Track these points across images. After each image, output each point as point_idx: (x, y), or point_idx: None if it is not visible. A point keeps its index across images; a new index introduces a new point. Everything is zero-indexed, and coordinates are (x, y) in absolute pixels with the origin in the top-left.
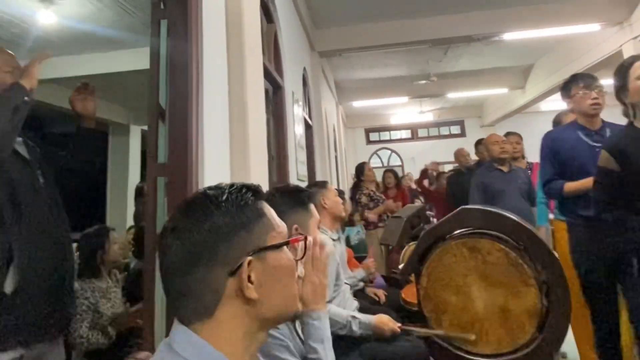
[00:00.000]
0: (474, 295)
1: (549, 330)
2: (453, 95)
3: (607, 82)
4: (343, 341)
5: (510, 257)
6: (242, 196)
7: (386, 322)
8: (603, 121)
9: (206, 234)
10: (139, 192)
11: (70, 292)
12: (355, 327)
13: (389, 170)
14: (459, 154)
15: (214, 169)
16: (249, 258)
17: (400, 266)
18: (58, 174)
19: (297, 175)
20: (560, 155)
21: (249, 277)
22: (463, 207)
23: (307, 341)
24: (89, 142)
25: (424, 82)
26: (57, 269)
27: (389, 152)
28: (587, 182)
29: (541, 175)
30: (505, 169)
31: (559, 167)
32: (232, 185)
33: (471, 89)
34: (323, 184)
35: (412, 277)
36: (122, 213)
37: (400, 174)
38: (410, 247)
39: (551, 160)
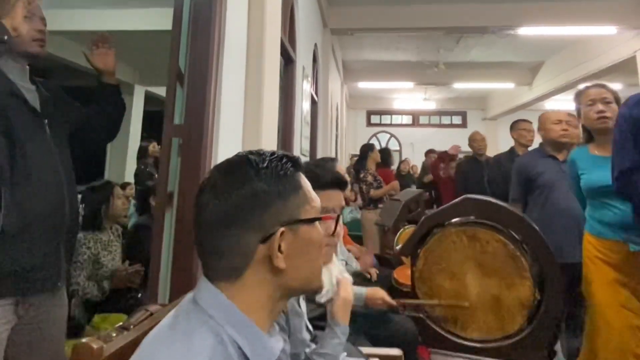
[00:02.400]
0: (469, 283)
1: (538, 323)
2: (459, 85)
3: (617, 86)
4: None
5: (508, 248)
6: (282, 165)
7: (380, 294)
8: None
9: (244, 198)
10: (143, 151)
11: (73, 241)
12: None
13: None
14: (474, 139)
15: (227, 134)
16: (282, 228)
17: (398, 247)
18: (78, 129)
19: (300, 150)
20: None
21: (279, 246)
22: (467, 195)
23: (321, 349)
24: (114, 97)
25: (432, 69)
26: (58, 216)
27: (389, 136)
28: None
29: (617, 161)
30: (561, 157)
31: None
32: (273, 153)
33: (478, 80)
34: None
35: (406, 259)
36: (120, 171)
37: (397, 158)
38: (405, 230)
39: (632, 133)
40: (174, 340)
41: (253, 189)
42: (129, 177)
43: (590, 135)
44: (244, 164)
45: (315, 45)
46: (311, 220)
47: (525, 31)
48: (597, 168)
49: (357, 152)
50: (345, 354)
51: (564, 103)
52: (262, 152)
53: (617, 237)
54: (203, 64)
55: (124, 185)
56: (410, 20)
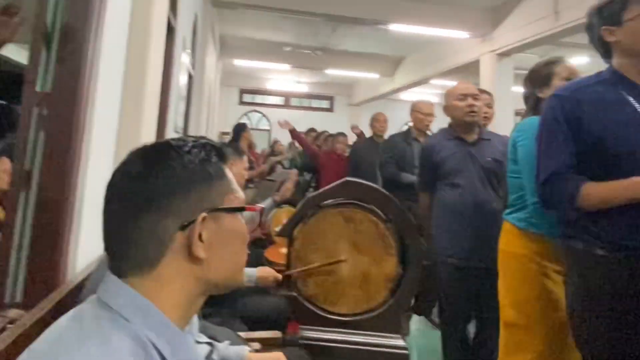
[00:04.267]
0: (342, 258)
1: (399, 295)
2: (331, 71)
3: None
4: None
5: (379, 228)
6: (206, 152)
7: (269, 272)
8: None
9: (163, 181)
10: None
11: None
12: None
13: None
14: (376, 119)
15: (104, 106)
16: (204, 214)
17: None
18: None
19: (174, 127)
20: (593, 127)
21: (200, 235)
22: (347, 179)
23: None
24: None
25: (309, 53)
26: None
27: (260, 115)
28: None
29: (540, 164)
30: (470, 138)
31: (585, 149)
32: (196, 140)
33: (349, 68)
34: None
35: (278, 239)
36: None
37: (268, 138)
38: (280, 210)
39: (565, 133)
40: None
41: (174, 172)
42: None
43: (536, 109)
44: (165, 148)
45: (196, 15)
46: (235, 210)
47: (394, 27)
48: None
49: (227, 130)
50: (228, 342)
51: (420, 95)
52: (185, 139)
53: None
54: (81, 19)
55: None
56: (294, 2)
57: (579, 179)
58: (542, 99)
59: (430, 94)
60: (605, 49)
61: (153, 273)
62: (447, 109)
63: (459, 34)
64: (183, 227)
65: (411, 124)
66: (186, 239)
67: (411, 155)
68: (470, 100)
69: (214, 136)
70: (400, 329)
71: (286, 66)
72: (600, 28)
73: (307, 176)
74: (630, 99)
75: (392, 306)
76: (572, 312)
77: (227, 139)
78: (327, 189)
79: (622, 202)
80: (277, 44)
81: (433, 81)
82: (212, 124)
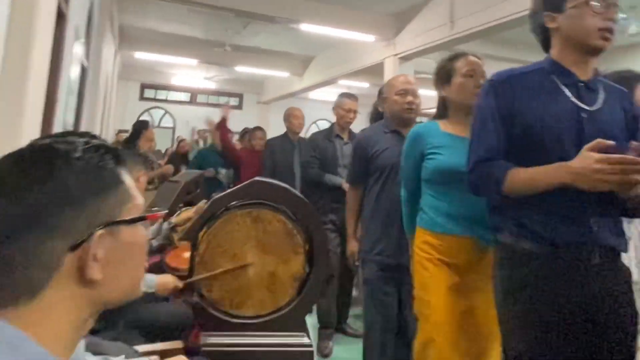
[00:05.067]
0: (249, 262)
1: (305, 293)
2: (241, 68)
3: (365, 85)
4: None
5: (287, 227)
6: (100, 157)
7: (172, 280)
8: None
9: (48, 196)
10: None
11: None
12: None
13: None
14: (293, 115)
15: None
16: (100, 231)
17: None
18: None
19: (63, 124)
20: (524, 114)
21: (94, 254)
22: (256, 178)
23: None
24: None
25: (218, 49)
26: None
27: (163, 112)
28: (566, 168)
29: (471, 149)
30: (406, 132)
31: (516, 137)
32: (87, 142)
33: (259, 66)
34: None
35: (180, 243)
36: None
37: (171, 136)
38: (183, 212)
39: (496, 118)
40: None
41: (61, 184)
42: None
43: (444, 109)
44: (50, 153)
45: (92, 2)
46: (135, 221)
47: (305, 27)
48: (453, 148)
49: (126, 128)
50: (122, 356)
51: (328, 94)
52: (72, 140)
53: (466, 232)
54: None
55: None
56: None
57: (507, 164)
58: (447, 97)
59: (338, 93)
60: (545, 36)
61: (34, 302)
62: (386, 102)
63: (366, 37)
64: (74, 248)
65: (325, 121)
66: (78, 261)
67: (334, 154)
68: (409, 97)
69: (110, 135)
70: (305, 328)
71: (193, 61)
72: (542, 14)
73: (224, 172)
74: (565, 89)
75: (298, 305)
76: (497, 309)
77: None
78: (234, 189)
79: (545, 187)
80: (184, 37)
81: (341, 81)
82: (109, 121)
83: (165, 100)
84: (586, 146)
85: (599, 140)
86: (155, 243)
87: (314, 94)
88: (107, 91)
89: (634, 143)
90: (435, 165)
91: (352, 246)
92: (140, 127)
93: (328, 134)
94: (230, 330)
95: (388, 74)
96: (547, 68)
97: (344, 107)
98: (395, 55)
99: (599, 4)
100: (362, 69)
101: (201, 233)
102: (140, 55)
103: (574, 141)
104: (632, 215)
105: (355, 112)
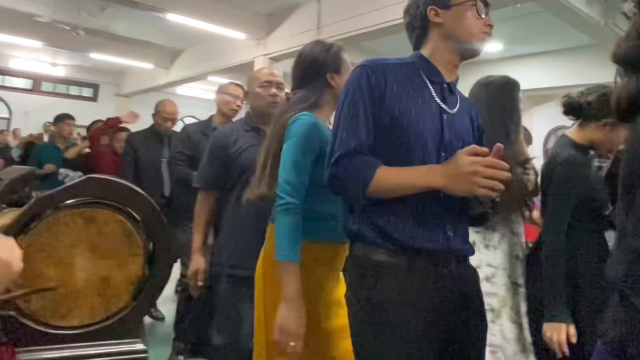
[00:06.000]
0: (77, 268)
1: (142, 298)
2: (97, 56)
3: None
4: None
5: (125, 228)
6: None
7: None
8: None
9: None
10: None
11: None
12: None
13: None
14: (166, 110)
15: None
16: None
17: None
18: None
19: None
20: (392, 106)
21: None
22: (90, 175)
23: None
24: None
25: (69, 32)
26: None
27: None
28: (438, 171)
29: (337, 138)
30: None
31: (381, 129)
32: None
33: (119, 55)
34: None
35: None
36: None
37: (7, 127)
38: (5, 214)
39: (367, 106)
40: None
41: None
42: None
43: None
44: None
45: None
46: None
47: (172, 17)
48: None
49: None
50: None
51: (196, 90)
52: None
53: (341, 237)
54: None
55: None
56: None
57: (376, 161)
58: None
59: (207, 90)
60: (422, 31)
61: None
62: (249, 96)
63: (237, 34)
64: None
65: (192, 118)
66: None
67: None
68: (273, 90)
69: None
70: (141, 333)
71: (38, 43)
72: (426, 7)
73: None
74: (431, 86)
75: (134, 310)
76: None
77: None
78: (66, 186)
79: (411, 190)
80: (26, 14)
81: (210, 77)
82: None
83: (2, 87)
84: (461, 151)
85: (474, 146)
86: None
87: (181, 90)
88: None
89: (497, 146)
90: None
91: (198, 263)
92: None
93: (204, 127)
94: (53, 343)
95: None
96: (417, 63)
97: (232, 92)
98: (266, 55)
99: (483, 10)
100: (232, 67)
101: (20, 237)
102: None
103: (435, 142)
104: (473, 223)
105: (240, 99)
